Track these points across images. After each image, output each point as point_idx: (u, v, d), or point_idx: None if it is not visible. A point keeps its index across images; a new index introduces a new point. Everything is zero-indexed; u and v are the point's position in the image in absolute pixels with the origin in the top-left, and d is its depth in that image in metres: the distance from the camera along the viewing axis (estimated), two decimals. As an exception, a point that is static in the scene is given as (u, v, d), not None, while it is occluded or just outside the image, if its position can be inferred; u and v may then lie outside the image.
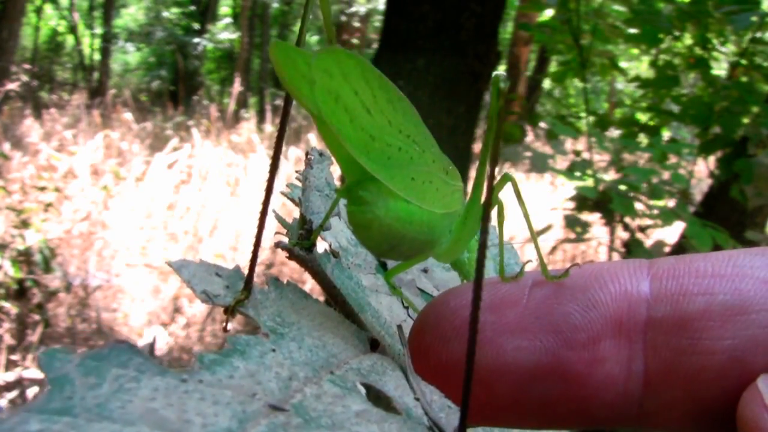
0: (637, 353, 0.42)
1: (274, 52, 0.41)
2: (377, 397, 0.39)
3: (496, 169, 0.42)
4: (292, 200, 0.57)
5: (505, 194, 0.52)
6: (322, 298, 0.51)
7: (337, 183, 0.61)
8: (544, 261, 0.47)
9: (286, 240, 0.51)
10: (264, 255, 4.57)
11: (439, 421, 0.38)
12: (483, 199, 0.40)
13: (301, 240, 0.51)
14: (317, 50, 0.42)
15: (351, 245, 0.58)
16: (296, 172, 0.60)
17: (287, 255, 0.50)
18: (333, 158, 0.48)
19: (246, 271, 0.47)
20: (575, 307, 0.43)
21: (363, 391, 0.39)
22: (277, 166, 0.49)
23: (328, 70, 0.42)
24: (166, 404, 0.32)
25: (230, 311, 0.44)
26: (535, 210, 4.72)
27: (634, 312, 0.42)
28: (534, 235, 0.53)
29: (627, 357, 0.42)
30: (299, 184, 0.58)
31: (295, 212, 0.56)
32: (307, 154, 0.61)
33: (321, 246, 0.55)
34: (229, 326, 0.46)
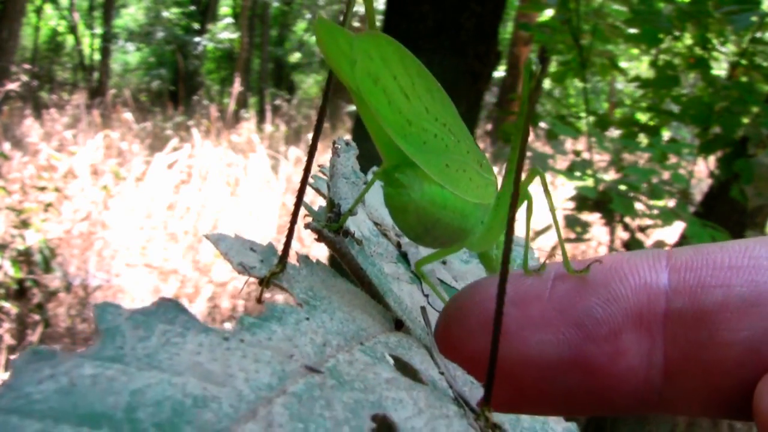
0: (657, 344, 0.43)
1: (319, 29, 0.43)
2: (405, 370, 0.41)
3: (525, 163, 0.43)
4: (316, 190, 0.59)
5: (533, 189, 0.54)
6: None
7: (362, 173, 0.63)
8: (567, 255, 0.48)
9: (315, 224, 0.53)
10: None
11: (464, 393, 0.40)
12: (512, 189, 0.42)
13: (330, 223, 0.53)
14: (359, 33, 0.44)
15: (373, 235, 0.60)
16: (319, 166, 0.62)
17: (316, 237, 0.52)
18: (372, 139, 0.49)
19: (281, 248, 0.48)
20: (597, 300, 0.44)
21: (391, 362, 0.41)
22: (315, 147, 0.51)
23: (368, 52, 0.43)
24: (210, 359, 0.33)
25: (266, 282, 0.45)
26: (536, 210, 4.71)
27: (653, 304, 0.43)
28: (559, 230, 0.55)
29: (647, 348, 0.43)
30: (322, 176, 0.61)
31: (318, 201, 0.58)
32: (334, 143, 0.62)
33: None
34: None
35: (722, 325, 0.41)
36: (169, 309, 0.35)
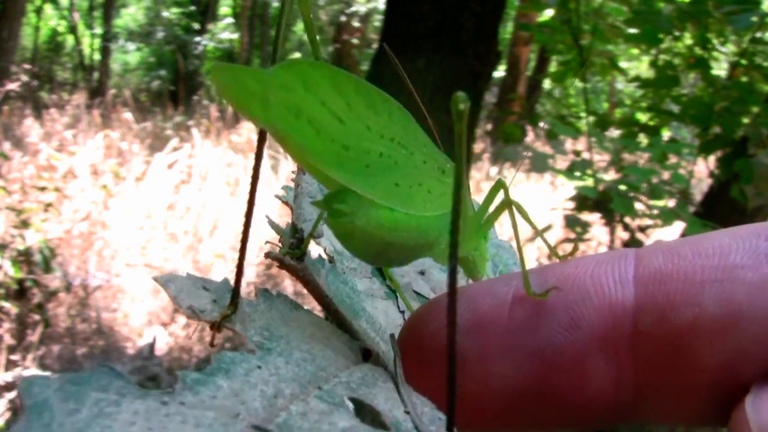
0: (626, 366, 0.40)
1: (217, 75, 0.39)
2: (366, 412, 0.39)
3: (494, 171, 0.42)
4: (286, 203, 0.57)
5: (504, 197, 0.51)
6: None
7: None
8: (527, 273, 0.45)
9: (276, 250, 0.51)
10: (262, 257, 4.56)
11: None
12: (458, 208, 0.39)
13: (293, 248, 0.50)
14: (273, 66, 0.40)
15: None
16: (292, 172, 0.59)
17: (278, 265, 0.49)
18: (306, 171, 0.47)
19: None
20: (557, 327, 0.41)
21: (351, 406, 0.39)
22: (255, 189, 0.48)
23: (286, 85, 0.40)
24: (146, 428, 0.31)
25: (217, 327, 0.43)
26: (535, 210, 4.71)
27: (619, 326, 0.40)
28: (519, 244, 0.52)
29: (615, 372, 0.41)
30: (293, 185, 0.58)
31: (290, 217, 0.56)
32: None
33: (316, 250, 0.55)
34: (217, 338, 0.45)
35: (694, 349, 0.39)
36: (103, 375, 0.33)
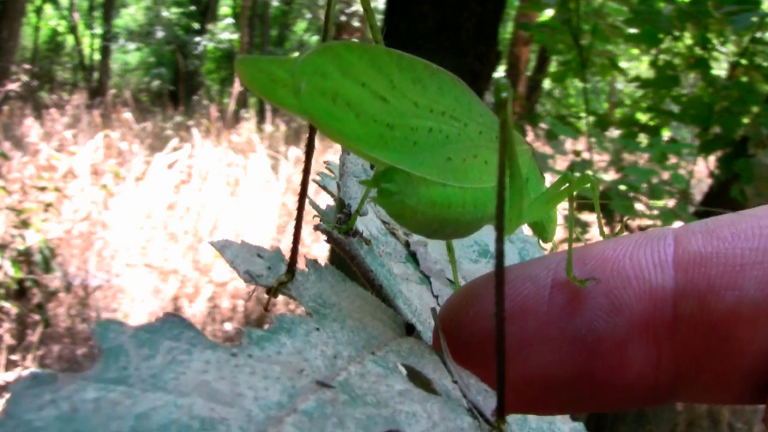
0: (666, 352, 0.40)
1: (242, 69, 0.39)
2: (417, 380, 0.39)
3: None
4: (323, 188, 0.57)
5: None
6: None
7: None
8: (572, 258, 0.44)
9: (324, 226, 0.52)
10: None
11: (478, 403, 0.39)
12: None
13: (339, 224, 0.51)
14: (303, 53, 0.40)
15: (381, 234, 0.59)
16: (324, 163, 0.60)
17: (326, 239, 0.50)
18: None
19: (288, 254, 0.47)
20: (598, 312, 0.41)
21: (404, 371, 0.40)
22: (312, 153, 0.48)
23: (319, 71, 0.40)
24: (218, 377, 0.32)
25: (273, 292, 0.44)
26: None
27: (660, 311, 0.40)
28: (573, 224, 0.51)
29: (656, 357, 0.40)
30: (329, 173, 0.59)
31: (325, 200, 0.57)
32: None
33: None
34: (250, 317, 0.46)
35: (735, 334, 0.38)
36: (174, 325, 0.34)
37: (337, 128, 0.41)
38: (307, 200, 0.52)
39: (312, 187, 0.58)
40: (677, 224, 2.94)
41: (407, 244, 0.60)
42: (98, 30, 13.53)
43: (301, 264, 0.47)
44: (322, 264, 0.48)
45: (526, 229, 0.67)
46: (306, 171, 0.48)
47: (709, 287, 0.39)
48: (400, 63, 0.43)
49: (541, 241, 0.55)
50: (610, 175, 3.06)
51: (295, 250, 0.46)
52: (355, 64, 0.41)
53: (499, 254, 0.38)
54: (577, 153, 3.18)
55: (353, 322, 0.43)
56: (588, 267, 0.43)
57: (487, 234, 0.63)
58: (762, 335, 0.38)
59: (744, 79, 2.91)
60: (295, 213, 0.48)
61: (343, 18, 11.15)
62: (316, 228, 0.50)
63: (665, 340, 0.40)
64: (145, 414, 0.28)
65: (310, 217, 0.53)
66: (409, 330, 0.48)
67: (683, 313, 0.40)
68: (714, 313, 0.39)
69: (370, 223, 0.58)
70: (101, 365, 0.30)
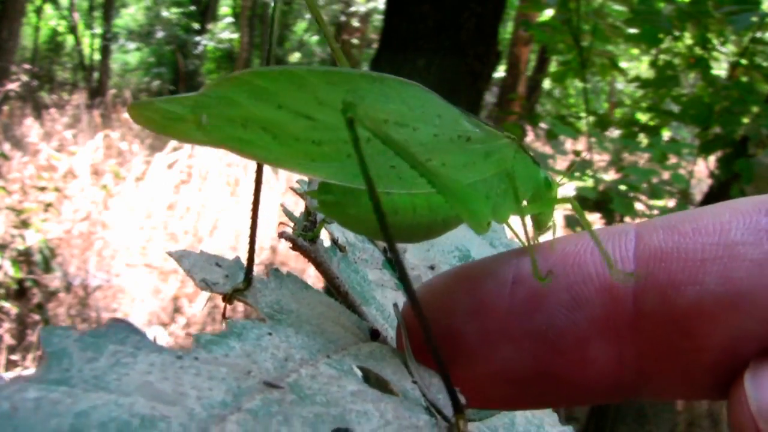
0: (628, 347, 0.40)
1: (136, 113, 0.39)
2: (374, 382, 0.39)
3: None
4: (300, 195, 0.57)
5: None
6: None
7: None
8: (534, 255, 0.44)
9: (290, 230, 0.52)
10: (264, 254, 4.57)
11: (437, 401, 0.38)
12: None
13: (306, 231, 0.51)
14: (209, 85, 0.41)
15: (358, 240, 0.59)
16: None
17: (291, 246, 0.51)
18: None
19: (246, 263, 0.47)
20: (559, 309, 0.41)
21: (359, 374, 0.40)
22: (261, 176, 0.49)
23: (224, 101, 0.40)
24: (161, 378, 0.32)
25: (228, 298, 0.44)
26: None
27: (621, 307, 0.40)
28: (525, 223, 0.49)
29: (617, 352, 0.40)
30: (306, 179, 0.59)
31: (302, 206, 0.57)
32: None
33: (327, 240, 0.56)
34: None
35: (696, 328, 0.38)
36: (120, 329, 0.35)
37: (254, 153, 0.42)
38: (281, 207, 0.53)
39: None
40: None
41: (385, 250, 0.60)
42: (98, 30, 13.53)
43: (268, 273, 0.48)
44: (284, 272, 0.49)
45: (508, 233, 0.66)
46: (258, 181, 0.48)
47: (670, 282, 0.39)
48: (330, 78, 0.42)
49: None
50: (610, 175, 3.06)
51: (251, 258, 0.46)
52: (268, 89, 0.41)
53: (400, 266, 0.37)
54: (577, 153, 3.18)
55: (310, 327, 0.43)
56: (550, 263, 0.43)
57: (469, 239, 0.63)
58: (723, 330, 0.38)
59: (744, 79, 2.91)
60: (250, 222, 0.48)
61: (343, 18, 11.15)
62: (281, 235, 0.50)
63: (627, 336, 0.40)
64: (85, 412, 0.29)
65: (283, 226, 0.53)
66: (374, 335, 0.47)
67: (644, 308, 0.39)
68: (675, 309, 0.39)
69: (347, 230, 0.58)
70: (44, 368, 0.31)
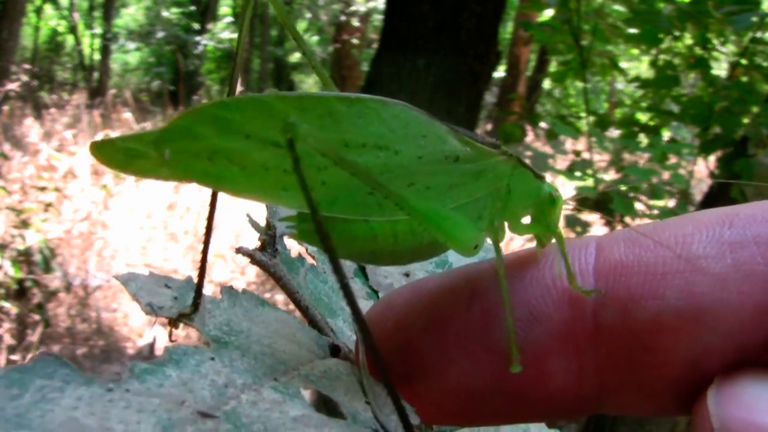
0: (588, 362, 0.39)
1: (97, 153, 0.39)
2: (324, 404, 0.38)
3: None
4: (254, 226, 0.56)
5: None
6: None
7: None
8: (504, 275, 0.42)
9: (246, 248, 0.51)
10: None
11: (388, 424, 0.37)
12: None
13: (265, 245, 0.50)
14: (172, 119, 0.40)
15: None
16: None
17: (250, 260, 0.49)
18: None
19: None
20: (517, 323, 0.40)
21: (307, 396, 0.39)
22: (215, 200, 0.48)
23: (188, 135, 0.39)
24: (88, 413, 0.31)
25: (173, 323, 0.43)
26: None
27: (580, 321, 0.39)
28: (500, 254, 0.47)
29: (577, 367, 0.39)
30: None
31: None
32: None
33: (296, 249, 0.54)
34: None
35: (657, 343, 0.37)
36: (49, 364, 0.34)
37: (222, 185, 0.41)
38: (247, 217, 0.52)
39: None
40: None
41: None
42: (98, 30, 13.53)
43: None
44: (239, 289, 0.47)
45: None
46: (212, 205, 0.47)
47: (630, 296, 0.38)
48: (302, 103, 0.40)
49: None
50: (610, 175, 3.06)
51: (200, 280, 0.45)
52: (233, 119, 0.40)
53: (346, 290, 0.36)
54: (577, 153, 3.18)
55: (260, 348, 0.41)
56: (510, 276, 0.42)
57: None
58: (685, 345, 0.37)
59: (744, 79, 2.91)
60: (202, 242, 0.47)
61: (343, 18, 11.15)
62: (238, 251, 0.49)
63: (586, 351, 0.39)
64: None
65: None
66: (334, 351, 0.46)
67: (604, 322, 0.39)
68: (635, 323, 0.38)
69: None
70: None
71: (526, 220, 0.49)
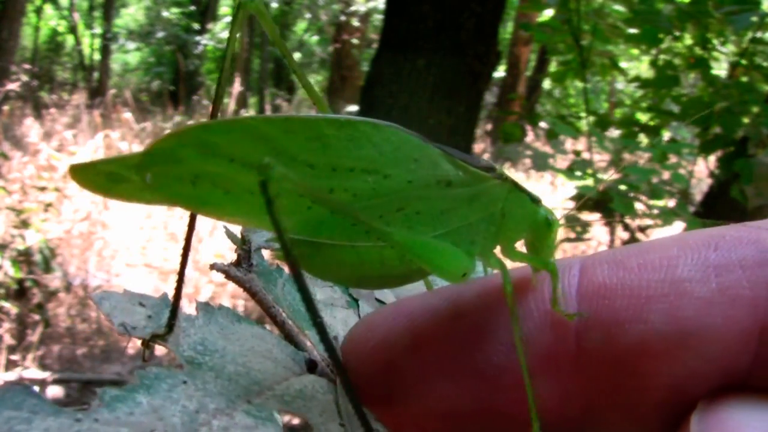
0: (572, 386, 0.38)
1: (78, 176, 0.38)
2: (298, 426, 0.38)
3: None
4: (231, 238, 0.55)
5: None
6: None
7: None
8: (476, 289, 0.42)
9: (220, 264, 0.50)
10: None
11: None
12: None
13: (240, 260, 0.49)
14: (155, 141, 0.39)
15: None
16: None
17: (224, 276, 0.48)
18: None
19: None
20: (498, 346, 0.39)
21: (280, 420, 0.38)
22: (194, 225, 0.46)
23: (171, 158, 0.38)
24: None
25: (146, 345, 0.42)
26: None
27: (563, 344, 0.39)
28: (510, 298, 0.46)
29: (560, 390, 0.39)
30: None
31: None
32: None
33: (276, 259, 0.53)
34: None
35: (640, 367, 0.37)
36: (17, 393, 0.33)
37: (206, 209, 0.40)
38: (224, 229, 0.50)
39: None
40: (677, 224, 2.93)
41: None
42: (98, 30, 13.53)
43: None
44: (215, 305, 0.46)
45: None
46: (190, 226, 0.46)
47: (614, 319, 0.37)
48: (288, 126, 0.39)
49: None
50: (610, 175, 3.06)
51: (176, 300, 0.44)
52: (218, 143, 0.39)
53: (318, 326, 0.35)
54: (577, 153, 3.18)
55: (235, 367, 0.41)
56: (492, 299, 0.41)
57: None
58: (670, 370, 0.36)
59: (744, 79, 2.91)
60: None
61: (343, 18, 11.15)
62: (212, 267, 0.48)
63: (570, 374, 0.38)
64: None
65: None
66: (311, 367, 0.45)
67: (587, 346, 0.38)
68: (619, 347, 0.37)
69: None
70: None
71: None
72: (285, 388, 0.41)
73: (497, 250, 0.46)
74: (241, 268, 0.49)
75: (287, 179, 0.37)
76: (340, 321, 0.51)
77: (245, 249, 0.50)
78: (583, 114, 3.43)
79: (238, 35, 0.48)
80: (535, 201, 0.47)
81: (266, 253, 0.53)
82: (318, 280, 0.54)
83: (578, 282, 0.40)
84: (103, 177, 0.39)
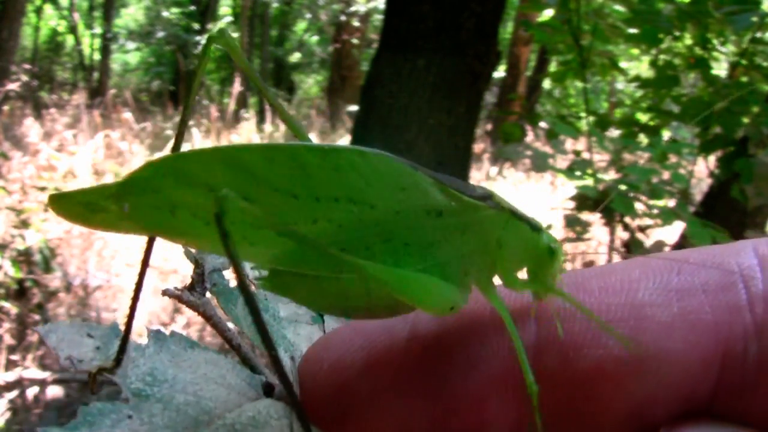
0: (528, 409, 0.38)
1: (56, 206, 0.38)
2: None
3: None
4: (189, 257, 0.54)
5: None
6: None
7: None
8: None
9: (172, 290, 0.49)
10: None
11: None
12: None
13: (194, 283, 0.48)
14: (134, 170, 0.38)
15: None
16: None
17: (177, 301, 0.47)
18: None
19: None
20: (454, 369, 0.39)
21: None
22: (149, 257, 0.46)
23: (149, 187, 0.38)
24: None
25: (92, 378, 0.41)
26: (536, 210, 4.72)
27: (519, 367, 0.38)
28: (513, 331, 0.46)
29: (516, 414, 0.38)
30: None
31: None
32: None
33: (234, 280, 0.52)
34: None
35: (599, 392, 0.36)
36: None
37: (185, 239, 0.40)
38: (183, 250, 0.48)
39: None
40: (677, 224, 2.93)
41: None
42: (98, 30, 13.52)
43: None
44: (167, 332, 0.45)
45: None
46: (147, 252, 0.45)
47: (572, 343, 0.37)
48: (270, 154, 0.38)
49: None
50: (610, 175, 3.06)
51: (126, 337, 0.43)
52: (196, 172, 0.38)
53: (274, 360, 0.34)
54: (577, 153, 3.18)
55: (185, 397, 0.39)
56: (449, 321, 0.40)
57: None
58: (629, 395, 0.36)
59: (744, 79, 2.91)
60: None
61: (343, 18, 11.15)
62: (164, 293, 0.47)
63: (526, 397, 0.37)
64: None
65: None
66: (268, 390, 0.44)
67: (544, 370, 0.37)
68: (576, 371, 0.36)
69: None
70: None
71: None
72: (236, 415, 0.40)
73: (496, 278, 0.45)
74: (195, 292, 0.48)
75: (247, 212, 0.36)
76: (305, 338, 0.50)
77: (198, 272, 0.48)
78: (583, 114, 3.43)
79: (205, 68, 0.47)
80: (536, 229, 0.45)
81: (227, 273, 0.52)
82: (281, 297, 0.52)
83: (537, 304, 0.39)
84: (81, 207, 0.38)
